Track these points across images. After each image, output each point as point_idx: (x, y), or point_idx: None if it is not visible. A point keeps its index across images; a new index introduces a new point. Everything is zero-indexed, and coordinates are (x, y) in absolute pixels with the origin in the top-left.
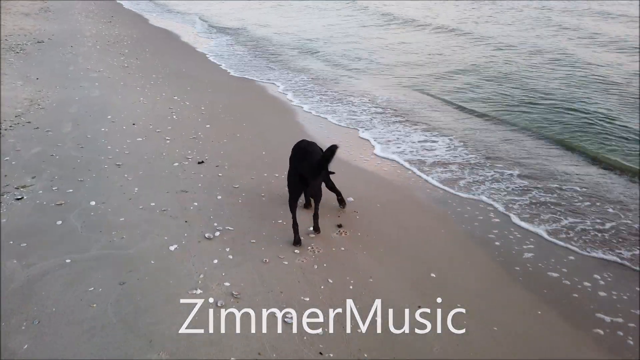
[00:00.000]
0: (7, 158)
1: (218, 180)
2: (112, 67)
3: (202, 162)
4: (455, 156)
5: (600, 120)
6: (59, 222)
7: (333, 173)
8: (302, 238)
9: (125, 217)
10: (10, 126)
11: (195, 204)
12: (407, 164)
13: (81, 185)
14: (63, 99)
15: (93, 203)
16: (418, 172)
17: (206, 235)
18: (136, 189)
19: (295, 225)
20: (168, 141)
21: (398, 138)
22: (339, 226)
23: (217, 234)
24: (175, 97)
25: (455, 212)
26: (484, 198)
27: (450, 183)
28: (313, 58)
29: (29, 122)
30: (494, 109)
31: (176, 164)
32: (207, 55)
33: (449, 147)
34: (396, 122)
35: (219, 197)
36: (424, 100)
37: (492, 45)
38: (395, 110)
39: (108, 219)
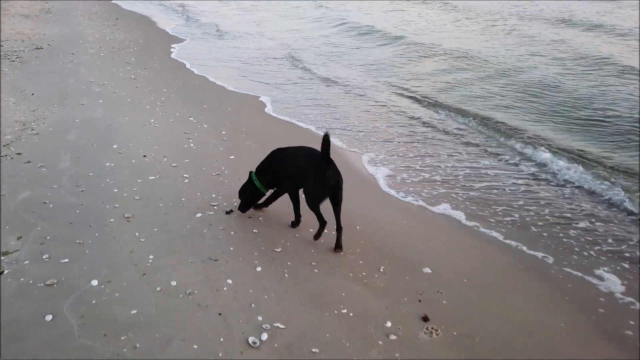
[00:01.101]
0: None
1: (253, 240)
2: (118, 79)
3: (231, 211)
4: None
5: None
6: (48, 318)
7: None
8: (375, 335)
9: (138, 308)
10: None
11: (230, 281)
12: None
13: (80, 252)
14: (61, 121)
15: (95, 283)
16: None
17: (250, 340)
18: (151, 257)
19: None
20: (186, 180)
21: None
22: (425, 319)
23: (265, 337)
24: (191, 118)
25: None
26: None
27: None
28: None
29: (18, 154)
30: None
31: (199, 214)
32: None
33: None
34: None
35: (259, 269)
36: None
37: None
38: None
39: (115, 312)
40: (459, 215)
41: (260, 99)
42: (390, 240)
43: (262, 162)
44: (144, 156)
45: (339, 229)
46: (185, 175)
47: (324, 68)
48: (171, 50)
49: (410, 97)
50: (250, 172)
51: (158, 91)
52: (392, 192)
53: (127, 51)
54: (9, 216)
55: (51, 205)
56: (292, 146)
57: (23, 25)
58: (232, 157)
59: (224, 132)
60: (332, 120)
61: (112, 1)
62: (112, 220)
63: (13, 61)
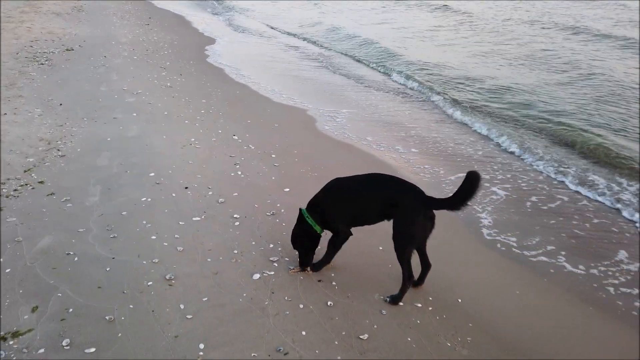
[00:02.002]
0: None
1: (330, 320)
2: (153, 87)
3: (296, 270)
4: None
5: None
6: None
7: None
8: None
9: None
10: (15, 190)
11: None
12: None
13: (110, 336)
14: (91, 139)
15: None
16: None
17: None
18: (201, 346)
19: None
20: (237, 222)
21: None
22: None
23: None
24: (235, 137)
25: None
26: None
27: None
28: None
29: (41, 183)
30: None
31: (257, 275)
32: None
33: None
34: None
35: None
36: None
37: None
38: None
39: None
40: None
41: (308, 112)
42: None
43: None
44: (186, 188)
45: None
46: (235, 216)
47: (370, 71)
48: (206, 52)
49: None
50: (301, 209)
51: (196, 102)
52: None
53: (162, 54)
54: (24, 273)
55: (76, 259)
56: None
57: (54, 23)
58: (287, 189)
59: (273, 156)
60: (403, 141)
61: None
62: (150, 283)
63: (42, 64)
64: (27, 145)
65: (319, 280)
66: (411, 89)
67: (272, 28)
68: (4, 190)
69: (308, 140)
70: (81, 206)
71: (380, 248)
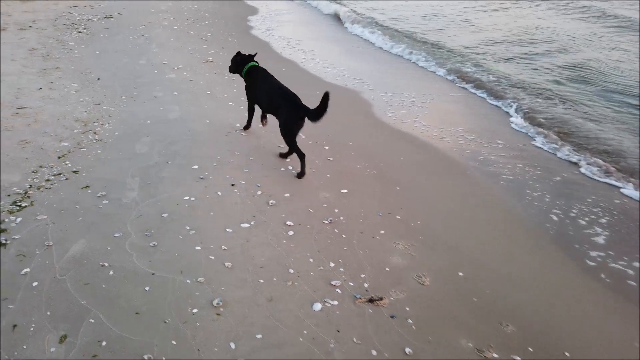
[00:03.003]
0: (26, 269)
1: None
2: (194, 62)
3: (366, 300)
4: None
5: None
6: None
7: None
8: None
9: None
10: (47, 180)
11: None
12: None
13: None
14: (130, 121)
15: None
16: None
17: None
18: None
19: None
20: (291, 232)
21: None
22: None
23: None
24: None
25: None
26: None
27: None
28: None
29: (75, 172)
30: None
31: (318, 305)
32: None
33: None
34: None
35: None
36: None
37: None
38: None
39: None
40: None
41: (363, 95)
42: None
43: None
44: (232, 185)
45: None
46: (288, 223)
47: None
48: (249, 24)
49: None
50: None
51: (240, 80)
52: None
53: (202, 24)
54: (53, 289)
55: (112, 273)
56: None
57: None
58: (344, 190)
59: (326, 148)
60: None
61: None
62: (195, 311)
63: (80, 32)
64: (62, 127)
65: (392, 316)
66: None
67: None
68: (35, 180)
69: (364, 129)
70: (118, 203)
71: (460, 274)
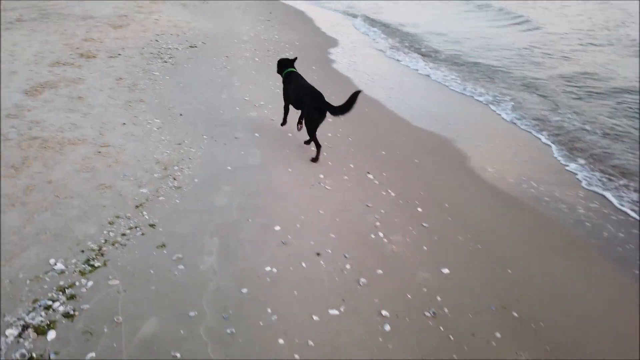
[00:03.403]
0: (92, 355)
1: None
2: (275, 99)
3: None
4: None
5: None
6: None
7: None
8: None
9: None
10: (123, 235)
11: None
12: None
13: None
14: (210, 165)
15: None
16: None
17: None
18: None
19: None
20: (387, 325)
21: None
22: None
23: None
24: (370, 176)
25: None
26: None
27: None
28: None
29: (152, 226)
30: None
31: None
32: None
33: None
34: None
35: None
36: None
37: None
38: None
39: None
40: None
41: (456, 145)
42: None
43: None
44: (318, 254)
45: None
46: (384, 314)
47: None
48: (330, 56)
49: None
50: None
51: (325, 124)
52: None
53: (283, 56)
54: None
55: None
56: None
57: (180, 16)
58: (446, 270)
59: (420, 210)
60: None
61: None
62: None
63: (166, 62)
64: (142, 169)
65: None
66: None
67: (402, 30)
68: (111, 233)
69: (462, 188)
70: (195, 270)
71: None
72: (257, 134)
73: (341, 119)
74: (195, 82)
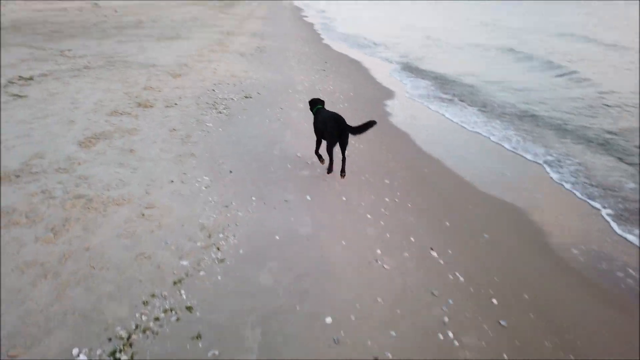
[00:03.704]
0: None
1: None
2: (336, 169)
3: None
4: None
5: None
6: None
7: None
8: None
9: None
10: (157, 319)
11: None
12: None
13: None
14: (257, 234)
15: None
16: None
17: None
18: None
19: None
20: None
21: None
22: None
23: None
24: (433, 253)
25: None
26: None
27: None
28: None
29: (188, 309)
30: None
31: None
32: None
33: None
34: None
35: None
36: None
37: None
38: None
39: None
40: None
41: (531, 218)
42: None
43: None
44: None
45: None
46: None
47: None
48: (386, 109)
49: None
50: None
51: (378, 181)
52: None
53: (337, 108)
54: None
55: None
56: None
57: (237, 65)
58: None
59: (494, 301)
60: None
61: (324, 41)
62: None
63: (220, 112)
64: (185, 236)
65: None
66: None
67: (458, 81)
68: (143, 317)
69: (544, 274)
70: None
71: None
72: (308, 197)
73: (398, 182)
74: (248, 135)
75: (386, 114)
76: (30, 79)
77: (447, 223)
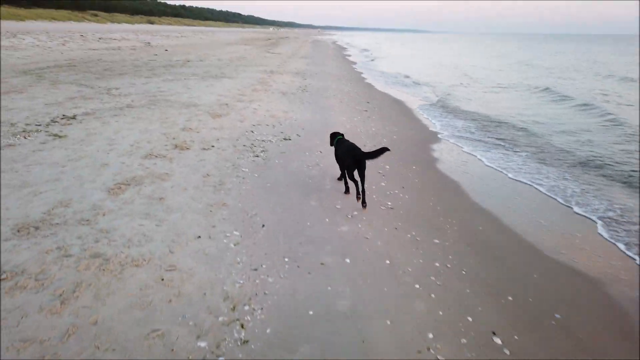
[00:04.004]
0: None
1: None
2: (371, 209)
3: None
4: None
5: None
6: None
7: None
8: None
9: None
10: None
11: None
12: None
13: None
14: (288, 308)
15: None
16: None
17: None
18: None
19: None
20: None
21: None
22: None
23: None
24: (498, 340)
25: None
26: None
27: None
28: None
29: None
30: None
31: None
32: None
33: None
34: None
35: None
36: None
37: None
38: None
39: None
40: None
41: (608, 289)
42: None
43: None
44: None
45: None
46: None
47: None
48: (433, 154)
49: None
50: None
51: (427, 243)
52: None
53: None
54: None
55: None
56: None
57: (278, 104)
58: None
59: None
60: None
61: (366, 80)
62: None
63: (257, 156)
64: (205, 309)
65: None
66: None
67: (509, 122)
68: None
69: None
70: None
71: None
72: (347, 259)
73: (450, 242)
74: (284, 183)
75: (433, 159)
76: (73, 117)
77: (510, 297)
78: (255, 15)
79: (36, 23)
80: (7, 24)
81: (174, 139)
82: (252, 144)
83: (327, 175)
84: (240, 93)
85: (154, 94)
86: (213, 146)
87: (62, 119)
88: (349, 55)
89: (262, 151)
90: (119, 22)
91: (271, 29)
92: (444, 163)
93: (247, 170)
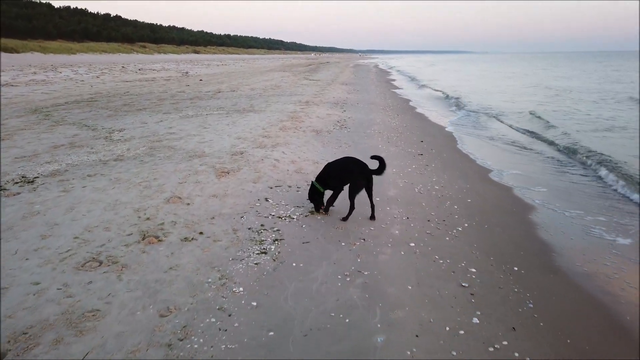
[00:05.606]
0: None
1: None
2: (424, 304)
3: None
4: None
5: None
6: None
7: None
8: None
9: None
10: None
11: None
12: None
13: None
14: None
15: None
16: None
17: None
18: None
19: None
20: None
21: None
22: None
23: None
24: None
25: None
26: None
27: None
28: None
29: None
30: None
31: None
32: None
33: None
34: None
35: None
36: None
37: None
38: None
39: None
40: None
41: None
42: None
43: None
44: None
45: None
46: None
47: None
48: (539, 233)
49: None
50: (312, 182)
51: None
52: None
53: (452, 231)
54: None
55: None
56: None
57: (308, 150)
58: None
59: None
60: None
61: (417, 110)
62: None
63: (264, 252)
64: None
65: None
66: None
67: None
68: None
69: None
70: None
71: None
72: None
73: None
74: (301, 327)
75: (543, 248)
76: (31, 182)
77: None
78: (298, 42)
79: (86, 56)
80: (56, 57)
81: (147, 219)
82: (262, 225)
83: (371, 291)
84: (264, 134)
85: (159, 138)
86: (201, 233)
87: (17, 183)
88: (394, 80)
89: (274, 240)
90: (165, 53)
91: (312, 54)
92: (562, 256)
93: (240, 290)
